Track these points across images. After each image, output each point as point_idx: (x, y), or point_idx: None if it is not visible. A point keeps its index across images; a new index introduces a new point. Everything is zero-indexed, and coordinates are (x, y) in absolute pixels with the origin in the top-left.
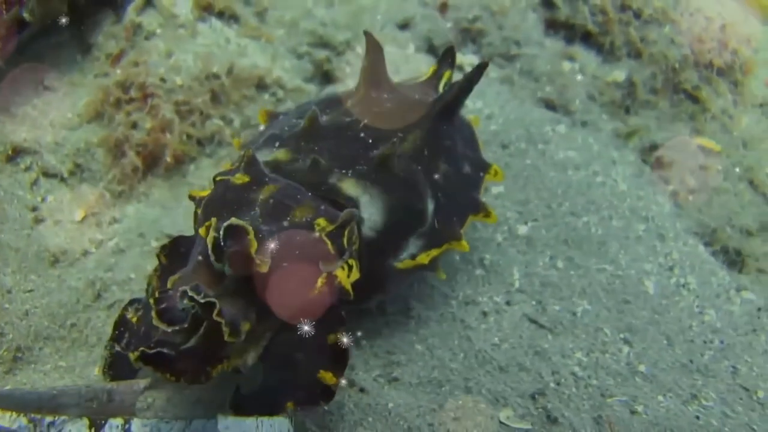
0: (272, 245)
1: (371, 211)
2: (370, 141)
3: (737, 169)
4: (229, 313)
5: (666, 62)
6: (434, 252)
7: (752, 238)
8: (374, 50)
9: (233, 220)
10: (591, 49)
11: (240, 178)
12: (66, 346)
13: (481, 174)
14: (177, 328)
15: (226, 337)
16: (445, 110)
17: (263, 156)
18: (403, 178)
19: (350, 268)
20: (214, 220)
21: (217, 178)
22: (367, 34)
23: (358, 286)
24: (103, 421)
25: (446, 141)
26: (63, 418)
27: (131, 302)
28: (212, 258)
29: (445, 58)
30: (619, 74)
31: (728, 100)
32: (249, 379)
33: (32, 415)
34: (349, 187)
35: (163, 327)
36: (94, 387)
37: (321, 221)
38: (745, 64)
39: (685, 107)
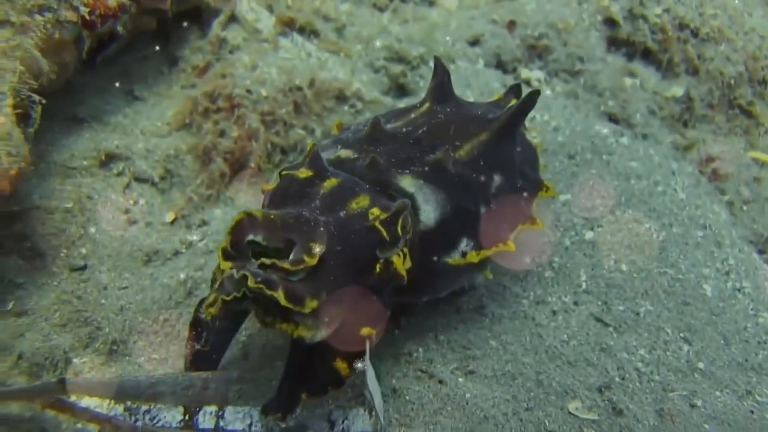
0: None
1: (426, 208)
2: (428, 147)
3: None
4: (290, 286)
5: (722, 78)
6: (484, 252)
7: None
8: (441, 70)
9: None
10: (651, 66)
11: (304, 173)
12: (159, 339)
13: (535, 189)
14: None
15: (282, 302)
16: (503, 128)
17: (328, 155)
18: (457, 181)
19: (404, 255)
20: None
21: (283, 173)
22: (436, 57)
23: (411, 279)
24: (197, 408)
25: (503, 155)
26: (159, 406)
27: (200, 303)
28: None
29: (511, 91)
30: (677, 90)
31: None
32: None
33: (128, 404)
34: (406, 183)
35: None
36: (190, 375)
37: (375, 210)
38: None
39: (739, 121)
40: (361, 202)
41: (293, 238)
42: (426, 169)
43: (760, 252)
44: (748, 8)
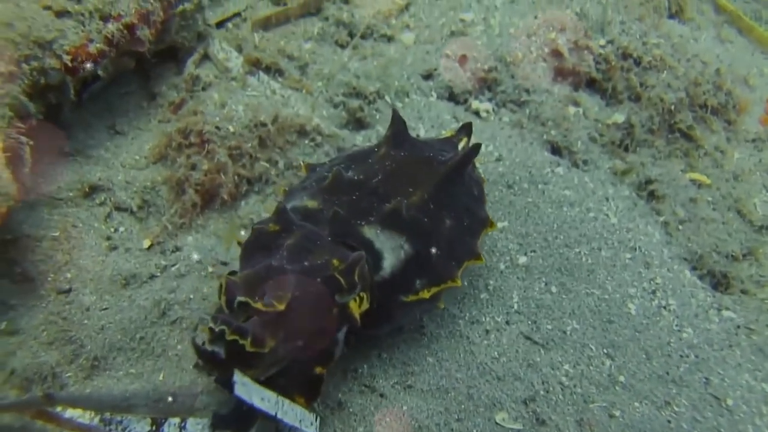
0: (294, 281)
1: (384, 255)
2: (384, 195)
3: (726, 200)
4: (253, 330)
5: (663, 105)
6: (434, 289)
7: (738, 262)
8: (398, 121)
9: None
10: (595, 94)
11: (272, 227)
12: (136, 356)
13: (481, 227)
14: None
15: (248, 348)
16: (449, 174)
17: (295, 203)
18: (410, 227)
19: (361, 299)
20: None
21: (255, 227)
22: (393, 110)
23: (372, 316)
24: (163, 419)
25: (451, 198)
26: (130, 417)
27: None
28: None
29: (463, 129)
30: (619, 116)
31: (721, 137)
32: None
33: (105, 415)
34: (365, 232)
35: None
36: (160, 390)
37: (335, 261)
38: (739, 104)
39: (679, 145)
40: (324, 253)
41: (266, 287)
42: (382, 218)
43: (694, 269)
44: (696, 33)
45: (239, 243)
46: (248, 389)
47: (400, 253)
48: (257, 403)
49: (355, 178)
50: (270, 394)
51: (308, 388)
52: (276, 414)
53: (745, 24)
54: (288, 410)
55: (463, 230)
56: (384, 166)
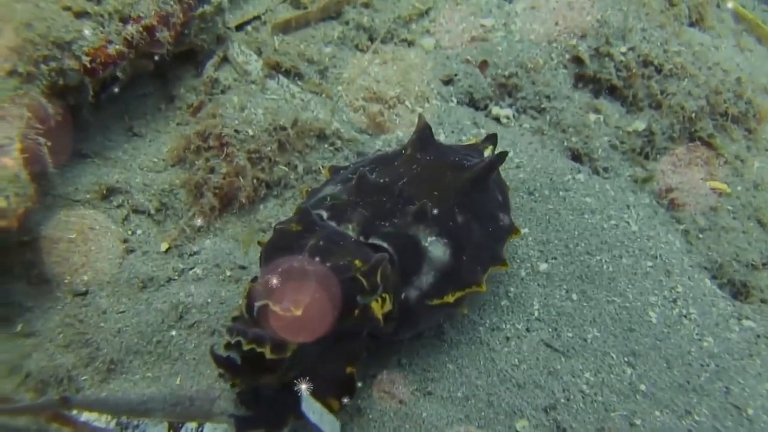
0: (313, 283)
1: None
2: (408, 198)
3: (746, 209)
4: (271, 337)
5: (683, 113)
6: (459, 294)
7: (758, 271)
8: (423, 126)
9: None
10: (615, 102)
11: (295, 227)
12: (152, 359)
13: (506, 233)
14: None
15: (267, 355)
16: (474, 181)
17: (321, 196)
18: (434, 231)
19: (384, 300)
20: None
21: (276, 227)
22: (420, 115)
23: (395, 320)
24: (180, 424)
25: (475, 203)
26: (146, 421)
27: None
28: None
29: (488, 139)
30: (639, 124)
31: (742, 146)
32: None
33: (121, 419)
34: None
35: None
36: (177, 394)
37: (357, 262)
38: (759, 112)
39: (700, 153)
40: (346, 254)
41: (286, 290)
42: (406, 220)
43: (714, 278)
44: (717, 41)
45: (260, 243)
46: (310, 406)
47: (423, 256)
48: (311, 417)
49: (380, 180)
50: (317, 407)
51: (342, 388)
52: (320, 425)
53: (764, 32)
54: (326, 421)
55: (488, 236)
56: (409, 169)
